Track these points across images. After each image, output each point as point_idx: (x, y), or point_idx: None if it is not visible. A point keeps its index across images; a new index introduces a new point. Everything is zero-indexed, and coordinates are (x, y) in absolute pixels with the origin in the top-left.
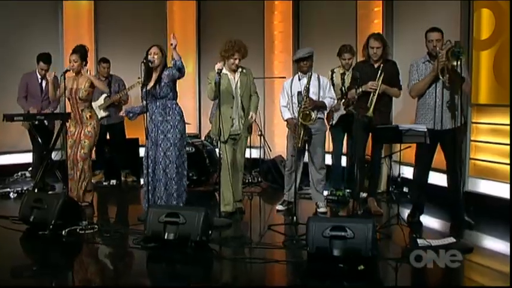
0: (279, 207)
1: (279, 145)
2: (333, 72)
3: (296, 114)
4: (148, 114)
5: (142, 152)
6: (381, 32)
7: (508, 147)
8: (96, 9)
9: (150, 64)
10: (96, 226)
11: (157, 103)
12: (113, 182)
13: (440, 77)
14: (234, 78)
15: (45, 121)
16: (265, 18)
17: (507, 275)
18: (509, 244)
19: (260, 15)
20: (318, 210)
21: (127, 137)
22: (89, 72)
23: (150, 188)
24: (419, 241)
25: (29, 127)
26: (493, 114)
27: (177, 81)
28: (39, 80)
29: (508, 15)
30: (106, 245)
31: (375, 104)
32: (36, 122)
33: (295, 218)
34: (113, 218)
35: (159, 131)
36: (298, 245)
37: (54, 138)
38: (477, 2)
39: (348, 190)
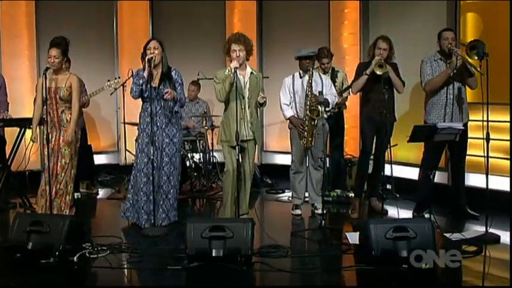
0: (297, 211)
1: None
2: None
3: (299, 114)
4: (145, 114)
5: (97, 160)
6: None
7: (497, 142)
8: (38, 9)
9: (151, 61)
10: (105, 248)
11: (162, 103)
12: (77, 195)
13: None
14: (244, 77)
15: None
16: (227, 19)
17: None
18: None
19: (221, 15)
20: (315, 211)
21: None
22: None
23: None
24: (453, 235)
25: None
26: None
27: None
28: None
29: (496, 18)
30: (135, 269)
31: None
32: None
33: (323, 222)
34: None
35: (164, 134)
36: (342, 249)
37: (14, 146)
38: (464, 6)
39: (338, 190)
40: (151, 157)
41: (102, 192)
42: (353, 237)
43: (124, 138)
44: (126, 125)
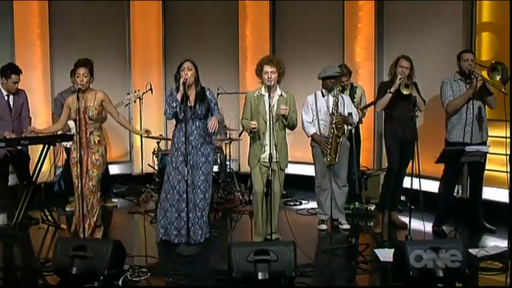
0: (323, 226)
1: None
2: None
3: (323, 132)
4: (181, 134)
5: (110, 170)
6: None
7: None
8: (51, 10)
9: (185, 84)
10: (145, 270)
11: (197, 123)
12: None
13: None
14: (272, 100)
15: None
16: (240, 21)
17: None
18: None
19: (234, 16)
20: (340, 227)
21: None
22: None
23: (175, 215)
24: (479, 251)
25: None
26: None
27: None
28: (6, 97)
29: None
30: None
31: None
32: (19, 147)
33: (353, 240)
34: (155, 258)
35: (200, 153)
36: (374, 267)
37: (38, 163)
38: (480, 25)
39: (356, 203)
40: (186, 178)
41: (119, 204)
42: (383, 254)
43: (141, 150)
44: (143, 138)
